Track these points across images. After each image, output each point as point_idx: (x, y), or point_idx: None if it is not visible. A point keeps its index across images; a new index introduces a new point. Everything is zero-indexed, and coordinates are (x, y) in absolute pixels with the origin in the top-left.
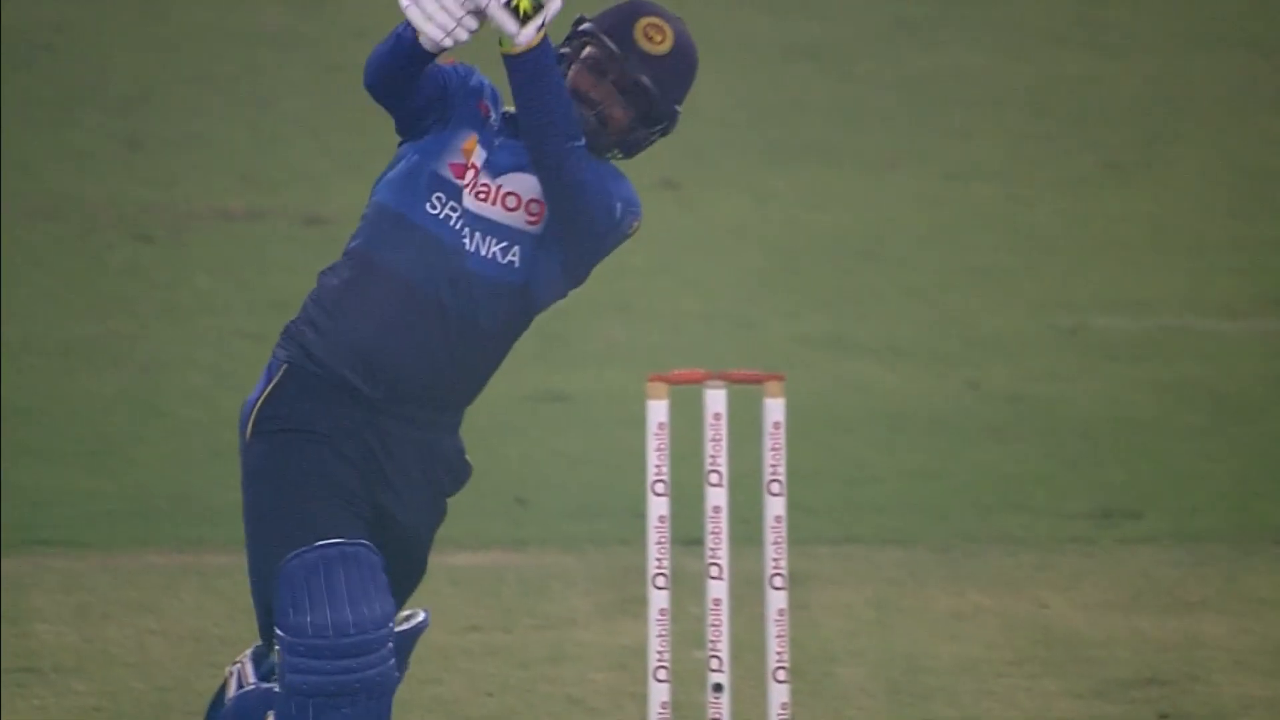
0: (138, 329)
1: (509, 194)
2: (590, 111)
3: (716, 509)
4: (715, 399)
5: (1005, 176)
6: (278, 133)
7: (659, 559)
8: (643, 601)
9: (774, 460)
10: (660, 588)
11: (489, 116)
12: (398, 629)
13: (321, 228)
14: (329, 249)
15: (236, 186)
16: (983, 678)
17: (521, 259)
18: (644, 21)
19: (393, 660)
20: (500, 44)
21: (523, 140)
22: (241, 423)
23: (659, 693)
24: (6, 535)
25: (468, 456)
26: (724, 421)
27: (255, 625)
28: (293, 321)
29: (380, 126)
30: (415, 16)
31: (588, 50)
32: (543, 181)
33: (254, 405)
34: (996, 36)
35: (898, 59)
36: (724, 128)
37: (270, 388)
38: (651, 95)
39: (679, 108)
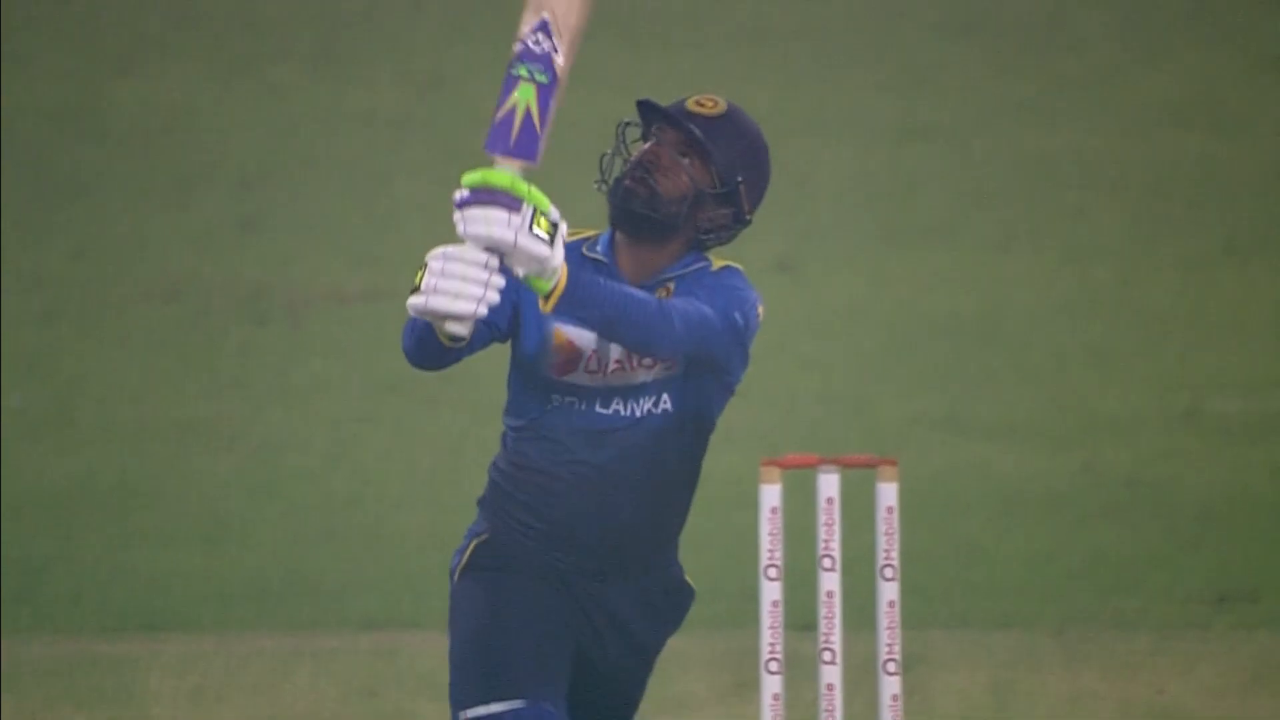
0: (252, 411)
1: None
2: (643, 174)
3: (829, 594)
4: (828, 483)
5: (1122, 257)
6: (393, 215)
7: (772, 644)
8: (757, 685)
9: (887, 545)
10: (774, 672)
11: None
12: None
13: None
14: None
15: (352, 268)
16: None
17: (674, 398)
18: (696, 96)
19: None
20: (533, 285)
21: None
22: (451, 570)
23: None
24: (121, 619)
25: (687, 578)
26: (836, 506)
27: (366, 706)
28: (482, 498)
29: None
30: (440, 304)
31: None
32: (661, 358)
33: (463, 551)
34: (1114, 117)
35: (1014, 139)
36: (839, 208)
37: (478, 538)
38: (703, 146)
39: (740, 180)
